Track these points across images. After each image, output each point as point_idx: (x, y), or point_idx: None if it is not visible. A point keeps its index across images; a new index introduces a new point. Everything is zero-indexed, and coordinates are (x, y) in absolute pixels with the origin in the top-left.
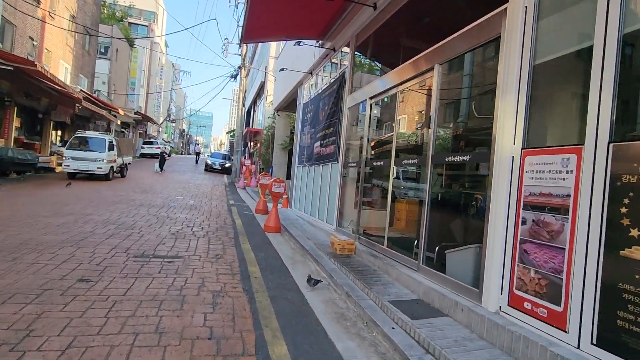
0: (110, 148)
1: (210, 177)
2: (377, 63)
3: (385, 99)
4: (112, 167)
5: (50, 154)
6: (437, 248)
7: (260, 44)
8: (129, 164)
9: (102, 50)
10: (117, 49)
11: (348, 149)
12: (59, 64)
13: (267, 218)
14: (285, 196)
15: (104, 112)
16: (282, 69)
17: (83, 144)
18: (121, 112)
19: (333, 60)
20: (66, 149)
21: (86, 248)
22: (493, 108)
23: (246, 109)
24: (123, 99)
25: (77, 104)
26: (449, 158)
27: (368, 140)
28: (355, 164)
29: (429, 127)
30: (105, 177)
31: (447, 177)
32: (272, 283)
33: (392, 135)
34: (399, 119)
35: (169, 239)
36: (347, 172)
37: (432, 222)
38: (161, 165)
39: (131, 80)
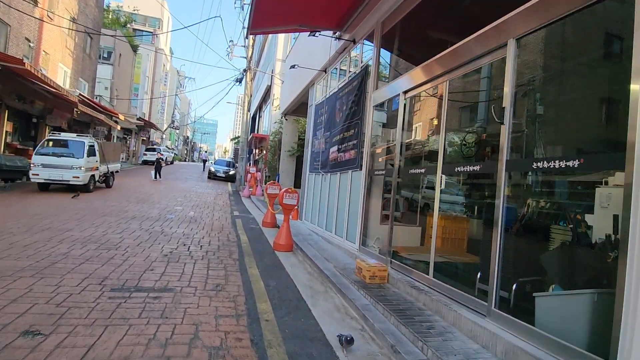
0: (91, 153)
1: (213, 185)
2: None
3: (425, 93)
4: (92, 176)
5: None
6: (513, 286)
7: (266, 47)
8: (117, 172)
9: (105, 55)
10: (120, 54)
11: (373, 154)
12: (58, 67)
13: (277, 234)
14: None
15: (102, 117)
16: (292, 66)
17: (57, 148)
18: (121, 117)
19: (352, 55)
20: (35, 153)
21: (51, 278)
22: (621, 96)
23: (251, 115)
24: (126, 105)
25: (75, 109)
26: (540, 164)
27: (402, 143)
28: (383, 172)
29: (501, 123)
30: (84, 189)
31: (532, 188)
32: (290, 329)
33: (439, 136)
34: (446, 116)
35: (160, 263)
36: (373, 181)
37: (508, 250)
38: (158, 173)
39: (134, 86)
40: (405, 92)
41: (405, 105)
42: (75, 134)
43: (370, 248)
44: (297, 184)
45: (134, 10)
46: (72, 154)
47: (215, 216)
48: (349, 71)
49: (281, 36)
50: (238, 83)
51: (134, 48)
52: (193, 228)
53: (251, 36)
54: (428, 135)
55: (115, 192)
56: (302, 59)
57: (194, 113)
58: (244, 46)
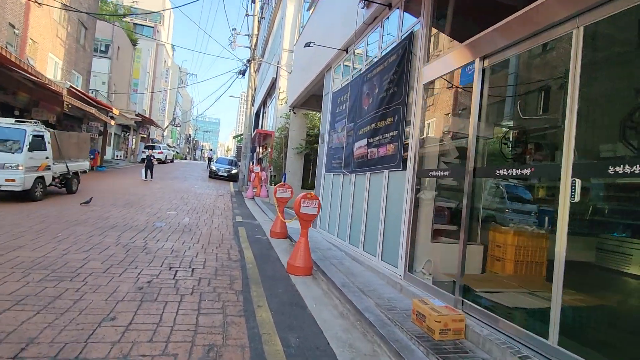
0: (37, 146)
1: (214, 185)
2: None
3: (521, 57)
4: (40, 178)
5: None
6: None
7: (271, 37)
8: (84, 172)
9: (103, 48)
10: (118, 47)
11: (423, 148)
12: (48, 57)
13: (292, 253)
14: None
15: (93, 111)
16: (307, 44)
17: None
18: (115, 112)
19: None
20: None
21: None
22: None
23: (255, 110)
24: (124, 100)
25: (65, 102)
26: None
27: (477, 132)
28: (443, 172)
29: None
30: (28, 197)
31: None
32: None
33: (565, 115)
34: (578, 84)
35: (128, 304)
36: (423, 184)
37: None
38: (149, 172)
39: (134, 81)
40: (485, 58)
41: (483, 76)
42: (14, 119)
43: (418, 274)
44: (306, 184)
45: (133, 1)
46: (7, 147)
47: (215, 223)
48: (381, 48)
49: (288, 25)
50: (241, 76)
51: (134, 42)
52: (186, 241)
53: (256, 24)
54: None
55: (102, 193)
56: (318, 37)
57: (196, 109)
58: (248, 35)
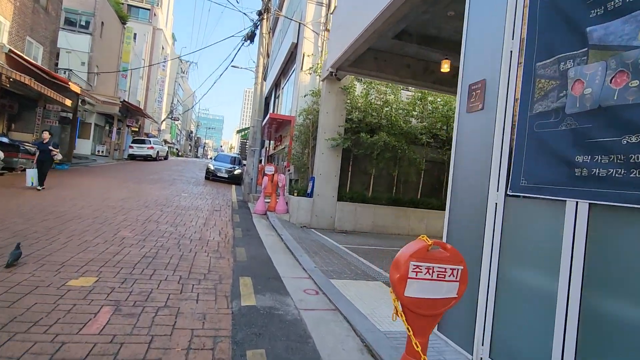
0: None
1: (210, 191)
2: None
3: None
4: None
5: None
6: None
7: None
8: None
9: (83, 22)
10: (102, 23)
11: None
12: None
13: None
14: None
15: (34, 83)
16: None
17: None
18: (75, 89)
19: None
20: None
21: None
22: None
23: (266, 90)
24: (111, 86)
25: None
26: None
27: None
28: None
29: None
30: None
31: None
32: None
33: None
34: None
35: None
36: None
37: None
38: (41, 174)
39: (123, 65)
40: None
41: None
42: None
43: None
44: (344, 193)
45: None
46: None
47: (186, 314)
48: None
49: None
50: (248, 42)
51: (123, 19)
52: None
53: None
54: None
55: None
56: None
57: (198, 105)
58: None
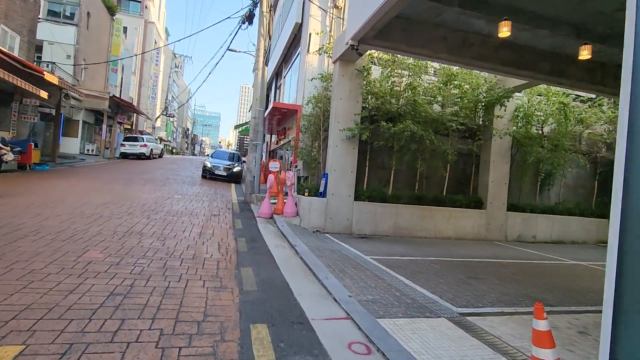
0: None
1: (207, 192)
2: None
3: None
4: None
5: None
6: None
7: None
8: None
9: (67, 13)
10: (88, 13)
11: None
12: None
13: None
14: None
15: (6, 74)
16: None
17: None
18: (52, 79)
19: None
20: None
21: None
22: None
23: (268, 76)
24: (100, 81)
25: None
26: None
27: None
28: None
29: None
30: None
31: None
32: None
33: None
34: None
35: None
36: None
37: None
38: None
39: (113, 59)
40: None
41: None
42: None
43: None
44: (362, 191)
45: None
46: None
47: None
48: None
49: None
50: (247, 24)
51: (111, 10)
52: None
53: None
54: None
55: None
56: None
57: (194, 101)
58: None
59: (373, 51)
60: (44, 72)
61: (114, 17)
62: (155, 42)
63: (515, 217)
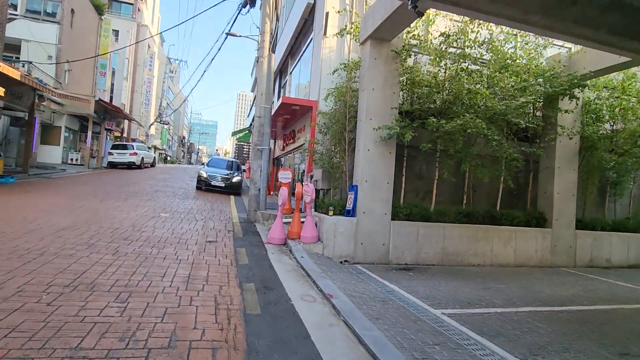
0: None
1: (202, 207)
2: None
3: None
4: None
5: None
6: None
7: None
8: None
9: (49, 10)
10: (72, 10)
11: None
12: None
13: None
14: None
15: None
16: None
17: None
18: (9, 73)
19: None
20: None
21: None
22: None
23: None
24: (88, 85)
25: None
26: None
27: None
28: None
29: None
30: None
31: None
32: None
33: None
34: None
35: None
36: None
37: None
38: None
39: (101, 61)
40: None
41: None
42: None
43: None
44: (398, 207)
45: None
46: None
47: None
48: None
49: None
50: (249, 6)
51: (99, 9)
52: None
53: None
54: None
55: None
56: None
57: (190, 108)
58: None
59: (410, 33)
60: (1, 63)
61: (102, 17)
62: (149, 47)
63: (585, 237)
